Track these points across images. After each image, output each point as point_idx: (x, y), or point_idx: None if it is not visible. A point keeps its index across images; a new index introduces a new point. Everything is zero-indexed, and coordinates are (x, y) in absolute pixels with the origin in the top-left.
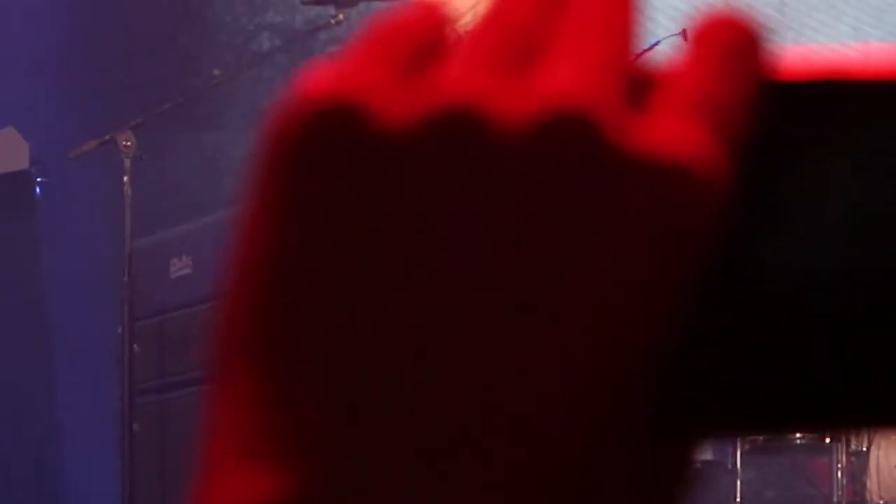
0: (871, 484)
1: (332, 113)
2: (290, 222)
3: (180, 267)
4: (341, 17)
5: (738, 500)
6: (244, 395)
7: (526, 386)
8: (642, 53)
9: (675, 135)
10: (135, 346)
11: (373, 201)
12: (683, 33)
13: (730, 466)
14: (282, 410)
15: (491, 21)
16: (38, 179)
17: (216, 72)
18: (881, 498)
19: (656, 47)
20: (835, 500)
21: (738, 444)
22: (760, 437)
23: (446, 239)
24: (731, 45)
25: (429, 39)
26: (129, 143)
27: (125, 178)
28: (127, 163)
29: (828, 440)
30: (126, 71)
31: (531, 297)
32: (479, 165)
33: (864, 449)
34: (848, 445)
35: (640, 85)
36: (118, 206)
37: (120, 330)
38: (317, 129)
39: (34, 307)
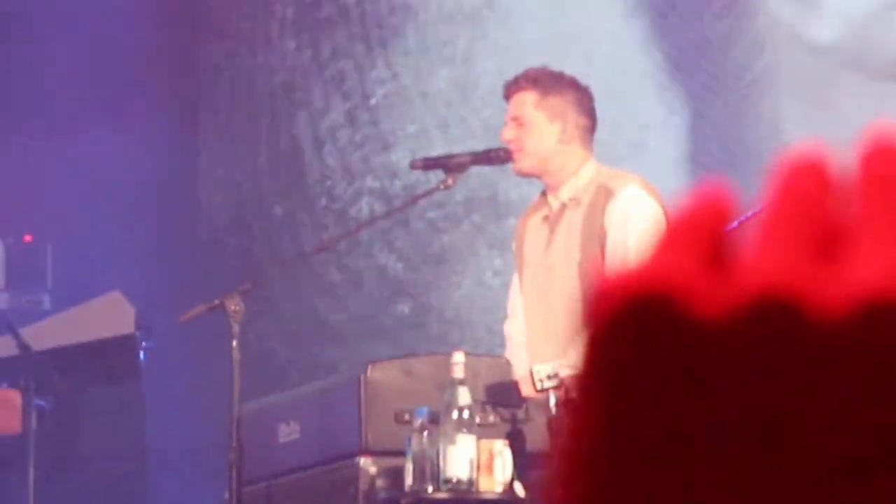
0: None
1: (650, 306)
2: (618, 409)
3: (288, 432)
4: (450, 181)
5: None
6: None
7: None
8: None
9: None
10: None
11: (697, 389)
12: None
13: None
14: None
15: (784, 211)
16: (143, 344)
17: (325, 237)
18: None
19: None
20: None
21: None
22: None
23: (774, 425)
24: None
25: (724, 228)
26: (237, 308)
27: (234, 343)
28: (235, 327)
29: None
30: (229, 236)
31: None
32: (801, 351)
33: None
34: None
35: None
36: (223, 370)
37: (227, 495)
38: (638, 321)
39: (138, 472)
